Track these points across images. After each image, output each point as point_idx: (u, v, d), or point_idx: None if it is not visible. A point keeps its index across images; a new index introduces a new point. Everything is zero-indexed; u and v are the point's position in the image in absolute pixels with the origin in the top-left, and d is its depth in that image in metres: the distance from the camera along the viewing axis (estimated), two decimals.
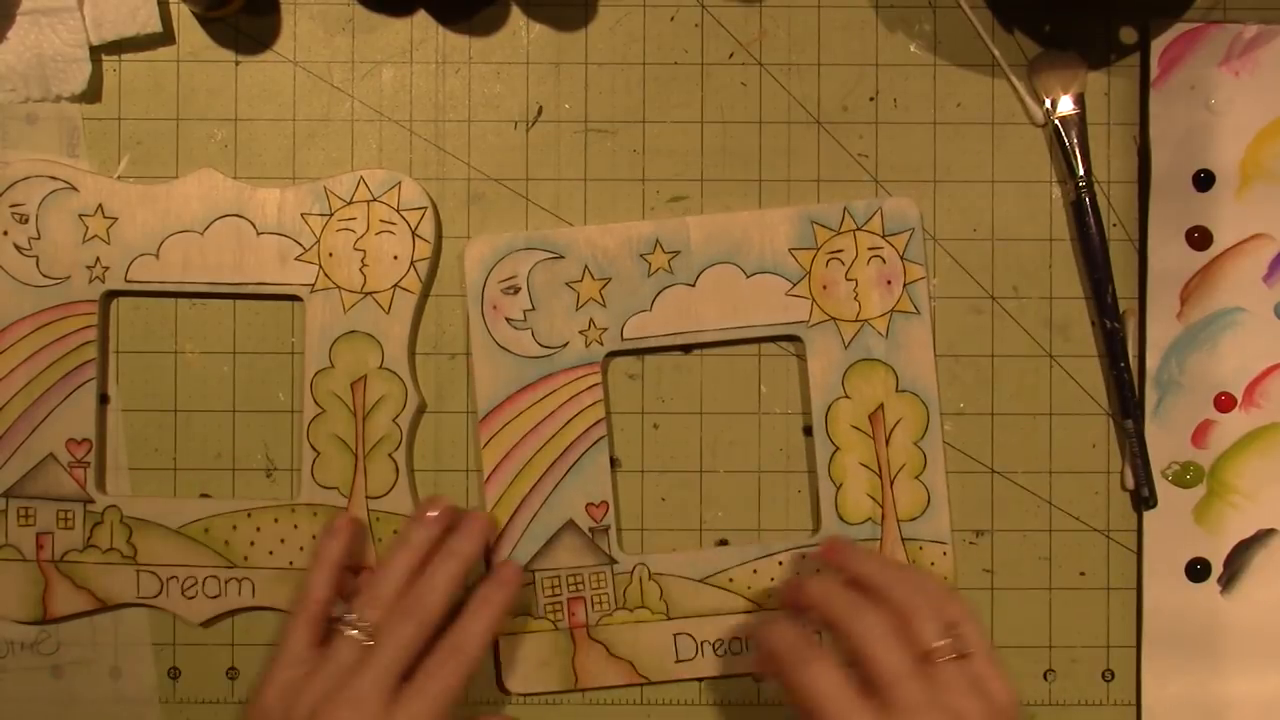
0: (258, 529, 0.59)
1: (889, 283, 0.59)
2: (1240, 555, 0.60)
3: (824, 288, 0.59)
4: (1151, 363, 0.60)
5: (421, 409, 0.60)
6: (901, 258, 0.59)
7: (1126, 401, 0.59)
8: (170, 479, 0.60)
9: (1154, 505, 0.60)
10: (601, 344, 0.59)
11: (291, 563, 0.59)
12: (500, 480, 0.59)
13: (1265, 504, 0.60)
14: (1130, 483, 0.60)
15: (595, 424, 0.59)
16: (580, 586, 0.59)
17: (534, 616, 0.59)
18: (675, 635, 0.59)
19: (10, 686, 0.60)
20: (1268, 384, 0.60)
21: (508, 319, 0.59)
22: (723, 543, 0.60)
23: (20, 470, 0.59)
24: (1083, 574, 0.60)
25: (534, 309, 0.59)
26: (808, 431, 0.60)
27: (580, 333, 0.59)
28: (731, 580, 0.59)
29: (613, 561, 0.59)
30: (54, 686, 0.60)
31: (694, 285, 0.59)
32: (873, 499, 0.59)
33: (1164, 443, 0.60)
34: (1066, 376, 0.60)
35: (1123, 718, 0.60)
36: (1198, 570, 0.60)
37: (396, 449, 0.59)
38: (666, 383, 0.60)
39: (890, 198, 0.60)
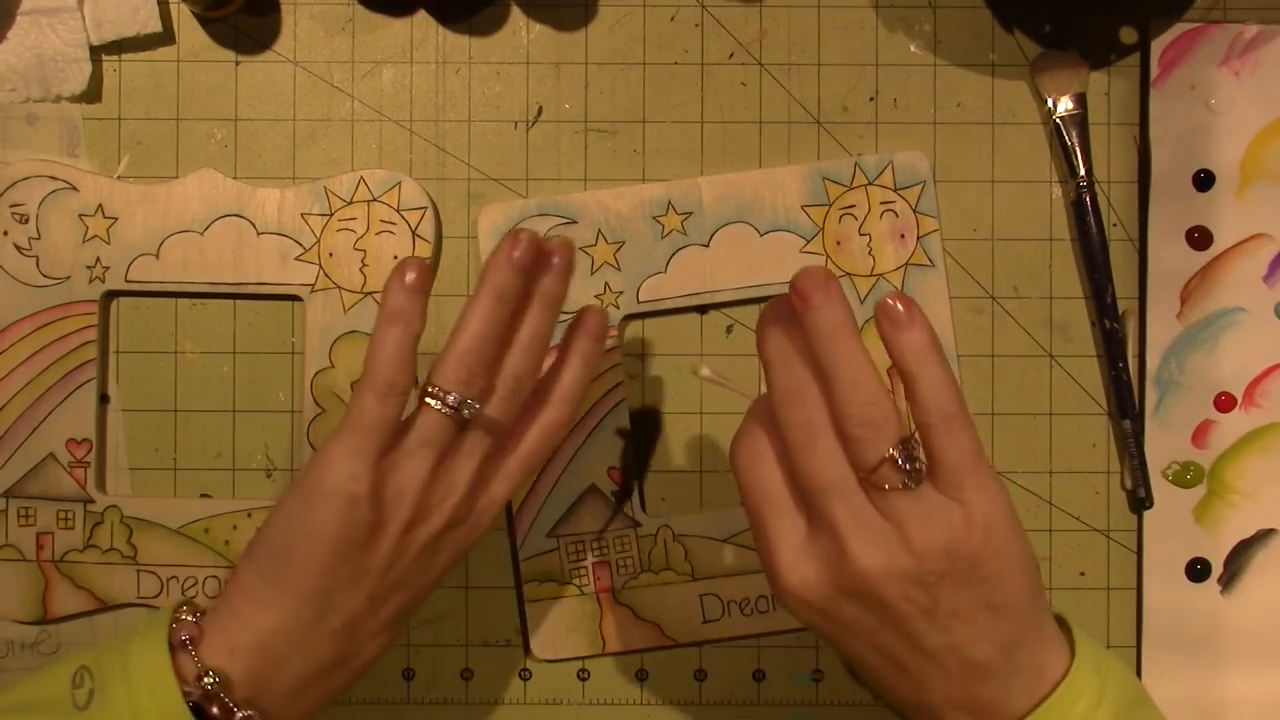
0: (258, 529, 0.59)
1: (902, 236, 0.59)
2: (1240, 555, 0.60)
3: (838, 244, 0.59)
4: (1151, 363, 0.60)
5: None
6: (914, 211, 0.59)
7: (1124, 402, 0.59)
8: (170, 479, 0.60)
9: (1150, 506, 0.60)
10: (618, 307, 0.59)
11: None
12: None
13: (1265, 504, 0.60)
14: (1129, 483, 0.60)
15: (613, 388, 0.59)
16: (605, 551, 0.59)
17: (559, 582, 0.59)
18: (701, 596, 0.59)
19: None
20: (1268, 384, 0.60)
21: None
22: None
23: (20, 470, 0.59)
24: (1083, 574, 0.60)
25: None
26: None
27: (596, 297, 0.59)
28: None
29: (636, 524, 0.59)
30: None
31: (708, 246, 0.59)
32: None
33: (1164, 443, 0.60)
34: (1066, 376, 0.60)
35: None
36: (1198, 570, 0.60)
37: None
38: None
39: (901, 151, 0.60)
